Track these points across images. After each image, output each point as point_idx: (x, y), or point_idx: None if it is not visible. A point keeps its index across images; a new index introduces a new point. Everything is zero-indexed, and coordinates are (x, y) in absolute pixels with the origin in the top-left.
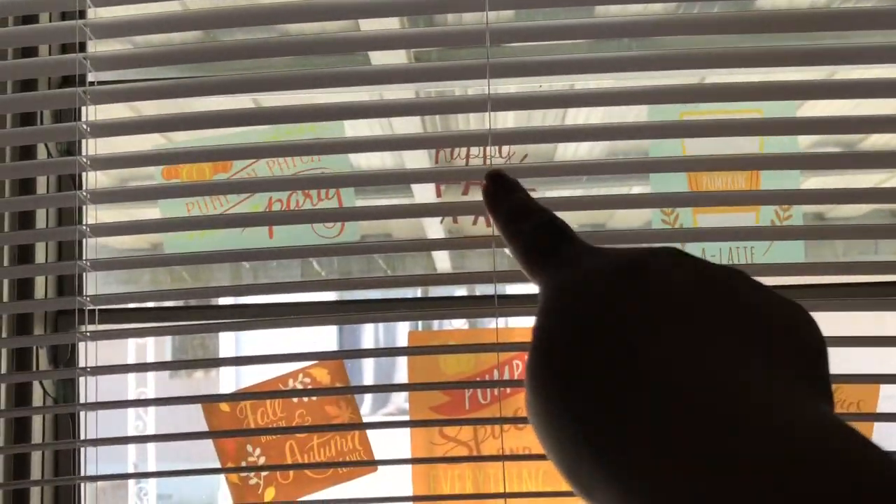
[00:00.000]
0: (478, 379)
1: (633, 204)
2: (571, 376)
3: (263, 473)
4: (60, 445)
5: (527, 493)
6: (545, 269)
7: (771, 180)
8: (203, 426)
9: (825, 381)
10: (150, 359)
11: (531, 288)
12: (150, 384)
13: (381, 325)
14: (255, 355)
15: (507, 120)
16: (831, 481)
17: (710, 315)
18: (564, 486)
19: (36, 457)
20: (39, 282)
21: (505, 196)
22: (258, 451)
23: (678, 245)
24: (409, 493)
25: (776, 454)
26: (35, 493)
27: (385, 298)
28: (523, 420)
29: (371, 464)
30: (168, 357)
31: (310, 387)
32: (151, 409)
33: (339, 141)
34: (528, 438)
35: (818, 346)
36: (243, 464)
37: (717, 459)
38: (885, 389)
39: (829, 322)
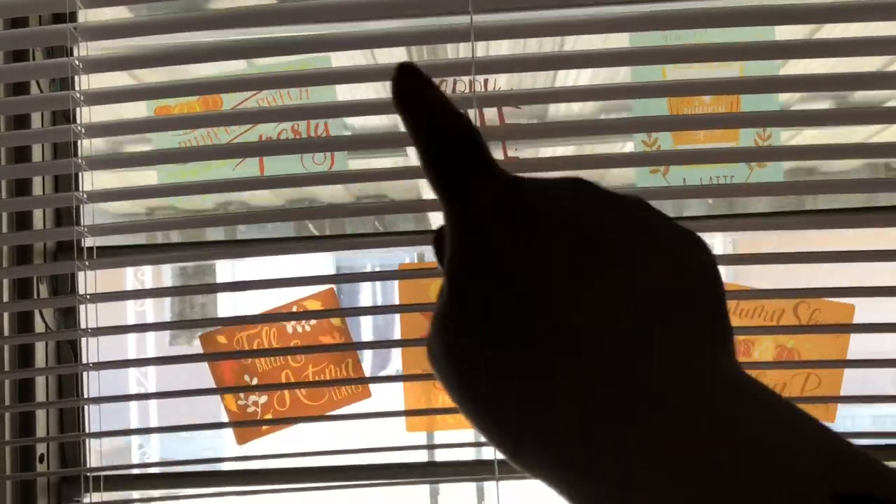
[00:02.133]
0: None
1: (622, 162)
2: (484, 335)
3: (261, 402)
4: (63, 370)
5: None
6: (459, 192)
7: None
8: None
9: (728, 325)
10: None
11: None
12: (150, 347)
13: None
14: (251, 280)
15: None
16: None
17: (630, 258)
18: None
19: (40, 381)
20: (38, 216)
21: (419, 93)
22: (255, 380)
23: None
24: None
25: (700, 431)
26: (41, 415)
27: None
28: None
29: (365, 381)
30: (167, 316)
31: (309, 324)
32: (152, 374)
33: (324, 72)
34: None
35: (720, 285)
36: (241, 394)
37: (641, 441)
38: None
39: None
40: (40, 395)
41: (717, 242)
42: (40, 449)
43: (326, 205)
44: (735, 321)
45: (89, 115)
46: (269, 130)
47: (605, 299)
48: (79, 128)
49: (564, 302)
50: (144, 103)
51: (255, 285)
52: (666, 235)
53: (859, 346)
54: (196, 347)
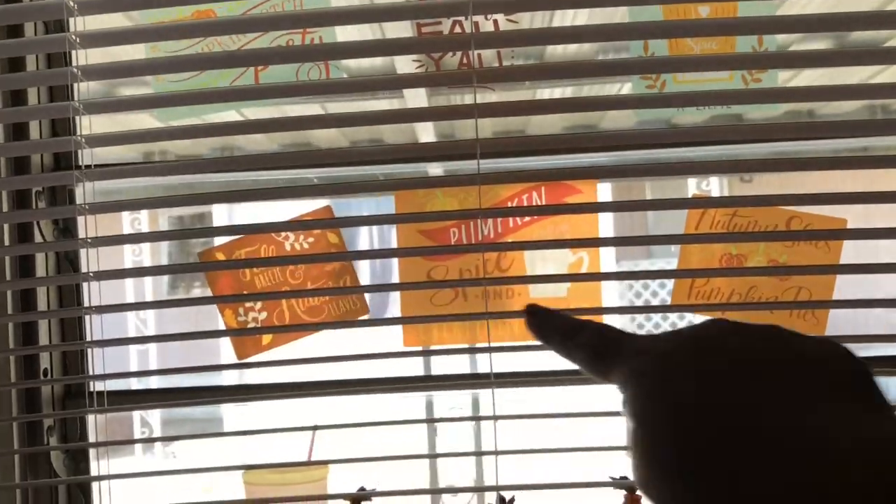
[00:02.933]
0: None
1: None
2: (687, 456)
3: (261, 318)
4: (65, 280)
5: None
6: (616, 366)
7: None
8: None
9: (880, 395)
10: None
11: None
12: (149, 293)
13: None
14: (247, 224)
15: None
16: None
17: (777, 371)
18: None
19: (43, 325)
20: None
21: (549, 324)
22: (259, 304)
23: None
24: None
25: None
26: (43, 329)
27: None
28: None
29: (362, 289)
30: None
31: (307, 242)
32: (150, 319)
33: (324, 12)
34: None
35: (863, 369)
36: (241, 311)
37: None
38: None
39: None
40: (42, 307)
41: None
42: (44, 363)
43: (323, 150)
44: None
45: (85, 57)
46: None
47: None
48: (75, 69)
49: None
50: (142, 46)
51: (250, 229)
52: (799, 347)
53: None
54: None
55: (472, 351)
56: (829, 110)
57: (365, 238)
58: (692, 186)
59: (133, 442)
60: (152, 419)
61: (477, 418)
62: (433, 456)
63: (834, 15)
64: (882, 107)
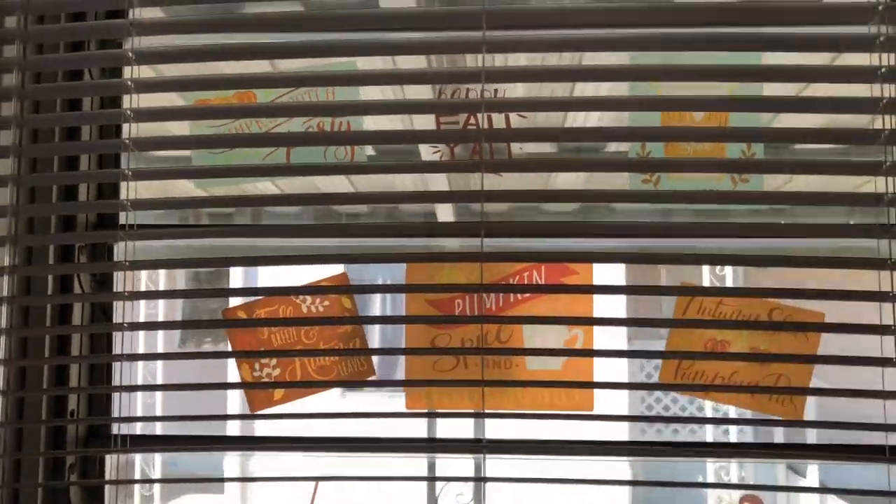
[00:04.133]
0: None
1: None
2: None
3: (274, 374)
4: (99, 328)
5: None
6: None
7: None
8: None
9: None
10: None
11: None
12: (160, 345)
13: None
14: (264, 287)
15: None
16: None
17: None
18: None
19: (74, 369)
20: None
21: None
22: (274, 361)
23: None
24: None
25: None
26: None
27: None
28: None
29: (367, 352)
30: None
31: (323, 305)
32: (159, 371)
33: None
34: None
35: None
36: (256, 365)
37: None
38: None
39: None
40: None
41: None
42: (72, 405)
43: (343, 224)
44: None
45: (137, 129)
46: (297, 126)
47: None
48: (127, 141)
49: None
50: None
51: (270, 291)
52: None
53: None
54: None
55: (464, 416)
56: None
57: (378, 304)
58: (706, 272)
59: (149, 482)
60: (154, 473)
61: (466, 479)
62: None
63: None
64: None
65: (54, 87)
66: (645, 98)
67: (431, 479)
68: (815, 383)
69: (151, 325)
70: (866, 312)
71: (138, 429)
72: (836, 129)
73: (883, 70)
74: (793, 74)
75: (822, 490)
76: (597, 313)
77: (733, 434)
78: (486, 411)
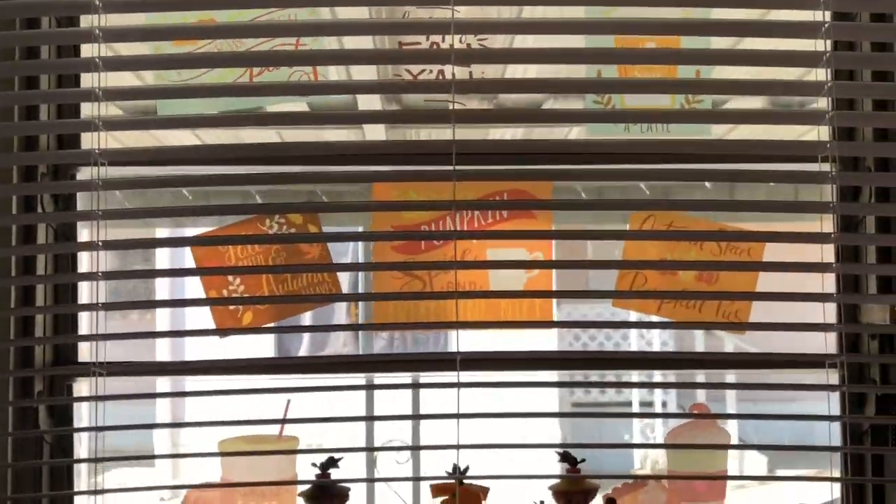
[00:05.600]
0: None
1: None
2: None
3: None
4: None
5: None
6: None
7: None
8: None
9: None
10: None
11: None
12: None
13: None
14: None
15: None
16: None
17: None
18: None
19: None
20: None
21: None
22: (238, 280)
23: None
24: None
25: None
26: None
27: None
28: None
29: (335, 268)
30: None
31: (285, 228)
32: None
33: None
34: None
35: None
36: (224, 292)
37: None
38: None
39: None
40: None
41: None
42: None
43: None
44: None
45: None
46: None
47: None
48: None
49: None
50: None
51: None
52: None
53: None
54: None
55: (441, 326)
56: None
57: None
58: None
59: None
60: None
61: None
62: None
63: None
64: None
65: (14, 35)
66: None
67: (416, 417)
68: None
69: (128, 274)
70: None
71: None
72: (784, 80)
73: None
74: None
75: (772, 417)
76: None
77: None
78: (460, 321)
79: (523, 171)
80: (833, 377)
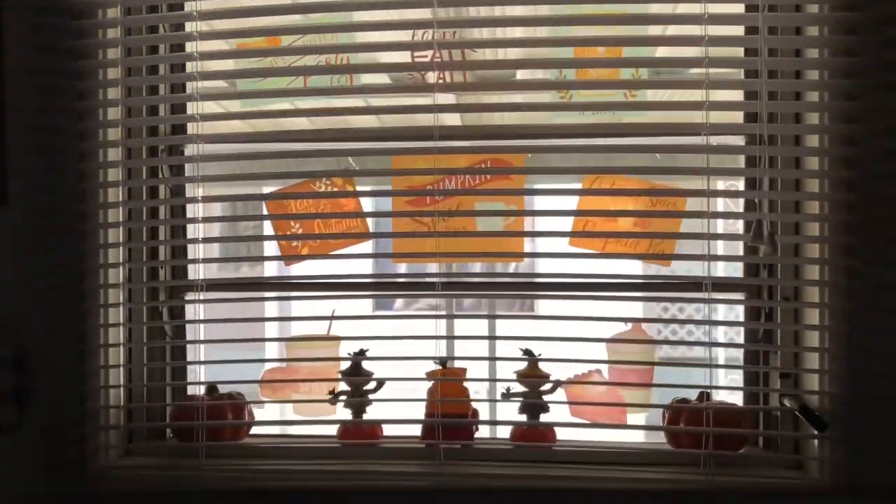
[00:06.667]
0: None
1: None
2: None
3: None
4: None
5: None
6: None
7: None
8: None
9: None
10: None
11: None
12: None
13: None
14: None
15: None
16: None
17: None
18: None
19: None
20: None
21: None
22: (297, 224)
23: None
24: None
25: None
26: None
27: None
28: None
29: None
30: None
31: (330, 188)
32: None
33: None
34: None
35: None
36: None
37: None
38: None
39: None
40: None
41: None
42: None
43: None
44: None
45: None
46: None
47: None
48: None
49: None
50: None
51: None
52: None
53: None
54: None
55: (424, 256)
56: None
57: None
58: None
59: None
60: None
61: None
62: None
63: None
64: None
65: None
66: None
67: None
68: None
69: (218, 219)
70: None
71: None
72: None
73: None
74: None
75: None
76: None
77: None
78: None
79: (488, 147)
80: None
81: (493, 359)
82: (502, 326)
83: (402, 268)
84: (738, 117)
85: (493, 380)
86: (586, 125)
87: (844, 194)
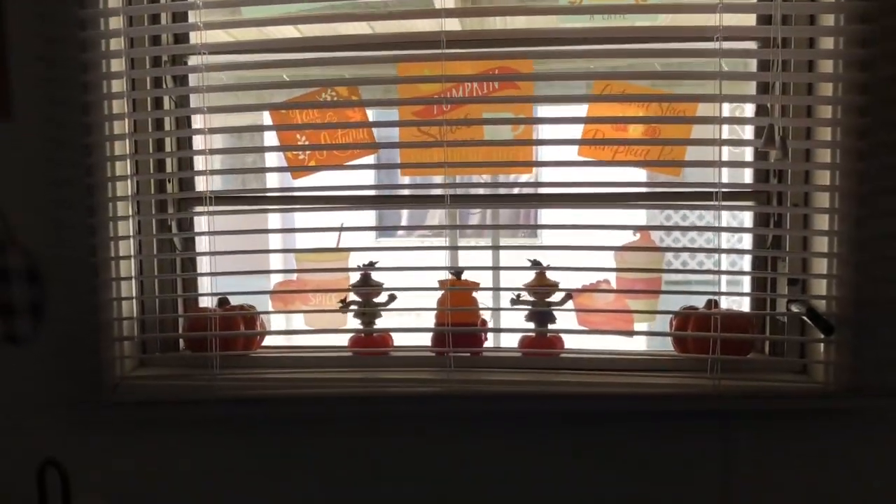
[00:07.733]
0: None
1: None
2: None
3: (307, 151)
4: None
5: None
6: None
7: None
8: None
9: None
10: None
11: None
12: None
13: None
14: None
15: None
16: None
17: None
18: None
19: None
20: None
21: None
22: (304, 137)
23: None
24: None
25: None
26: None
27: None
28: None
29: (370, 125)
30: None
31: (335, 99)
32: None
33: None
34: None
35: None
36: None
37: None
38: None
39: None
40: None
41: None
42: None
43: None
44: None
45: None
46: None
47: None
48: None
49: None
50: None
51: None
52: None
53: None
54: None
55: (432, 166)
56: None
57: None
58: None
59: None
60: None
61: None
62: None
63: None
64: None
65: None
66: None
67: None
68: None
69: (224, 129)
70: None
71: None
72: None
73: None
74: None
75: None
76: None
77: None
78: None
79: (496, 53)
80: None
81: (501, 268)
82: (509, 241)
83: (407, 180)
84: (750, 20)
85: (502, 288)
86: (597, 28)
87: (858, 97)
